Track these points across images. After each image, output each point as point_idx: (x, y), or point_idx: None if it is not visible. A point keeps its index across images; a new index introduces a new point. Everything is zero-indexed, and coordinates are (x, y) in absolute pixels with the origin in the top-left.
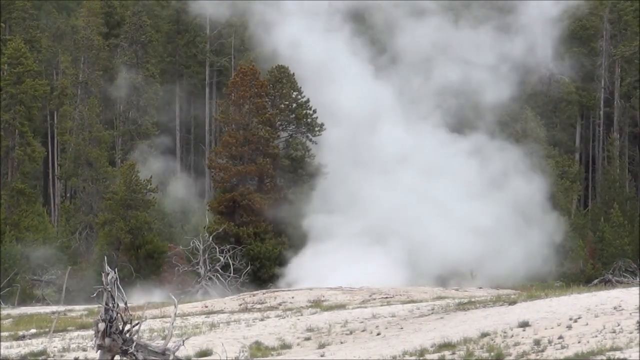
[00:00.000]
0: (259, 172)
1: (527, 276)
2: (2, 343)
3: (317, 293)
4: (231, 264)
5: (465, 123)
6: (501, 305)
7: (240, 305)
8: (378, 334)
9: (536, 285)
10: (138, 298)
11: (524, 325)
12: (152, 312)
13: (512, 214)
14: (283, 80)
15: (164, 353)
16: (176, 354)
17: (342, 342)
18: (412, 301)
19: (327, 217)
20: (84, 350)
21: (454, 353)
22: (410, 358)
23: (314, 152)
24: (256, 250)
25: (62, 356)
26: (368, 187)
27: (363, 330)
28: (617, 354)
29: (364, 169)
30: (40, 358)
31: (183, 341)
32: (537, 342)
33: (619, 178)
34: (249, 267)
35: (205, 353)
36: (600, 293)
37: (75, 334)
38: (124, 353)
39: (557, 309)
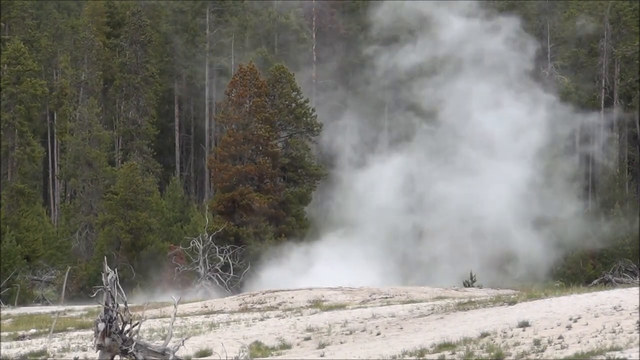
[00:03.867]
0: (258, 172)
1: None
2: (2, 343)
3: (317, 293)
4: (231, 264)
5: None
6: (501, 305)
7: (240, 305)
8: (378, 334)
9: (536, 285)
10: (138, 298)
11: (524, 325)
12: (152, 312)
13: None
14: (282, 80)
15: (163, 353)
16: (176, 354)
17: (342, 342)
18: (412, 301)
19: None
20: (84, 350)
21: (453, 353)
22: (410, 358)
23: (313, 152)
24: (256, 250)
25: (62, 356)
26: None
27: (363, 331)
28: (617, 354)
29: None
30: (40, 358)
31: (183, 341)
32: (537, 342)
33: (619, 178)
34: (248, 267)
35: (205, 353)
36: (600, 293)
37: (75, 334)
38: (124, 353)
39: (557, 309)
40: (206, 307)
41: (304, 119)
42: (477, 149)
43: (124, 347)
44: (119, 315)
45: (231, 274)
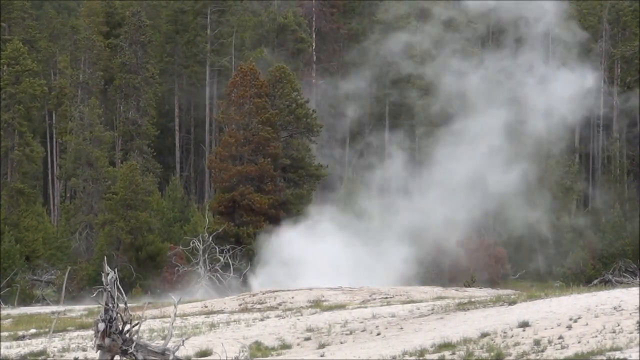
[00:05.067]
0: (259, 172)
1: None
2: (2, 343)
3: (317, 293)
4: (231, 264)
5: None
6: (501, 305)
7: (240, 305)
8: (378, 334)
9: (536, 285)
10: (138, 298)
11: (524, 325)
12: (152, 312)
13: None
14: (283, 80)
15: (163, 353)
16: (176, 354)
17: (342, 342)
18: (412, 301)
19: None
20: (84, 350)
21: (453, 353)
22: (410, 358)
23: (313, 152)
24: (256, 250)
25: (61, 356)
26: None
27: (363, 331)
28: (617, 354)
29: None
30: (40, 358)
31: (183, 341)
32: (537, 342)
33: (619, 178)
34: (248, 267)
35: (205, 353)
36: (600, 293)
37: (75, 334)
38: (124, 353)
39: (557, 309)
40: (206, 307)
41: (305, 119)
42: (485, 133)
43: (124, 347)
44: (119, 315)
45: (231, 274)
